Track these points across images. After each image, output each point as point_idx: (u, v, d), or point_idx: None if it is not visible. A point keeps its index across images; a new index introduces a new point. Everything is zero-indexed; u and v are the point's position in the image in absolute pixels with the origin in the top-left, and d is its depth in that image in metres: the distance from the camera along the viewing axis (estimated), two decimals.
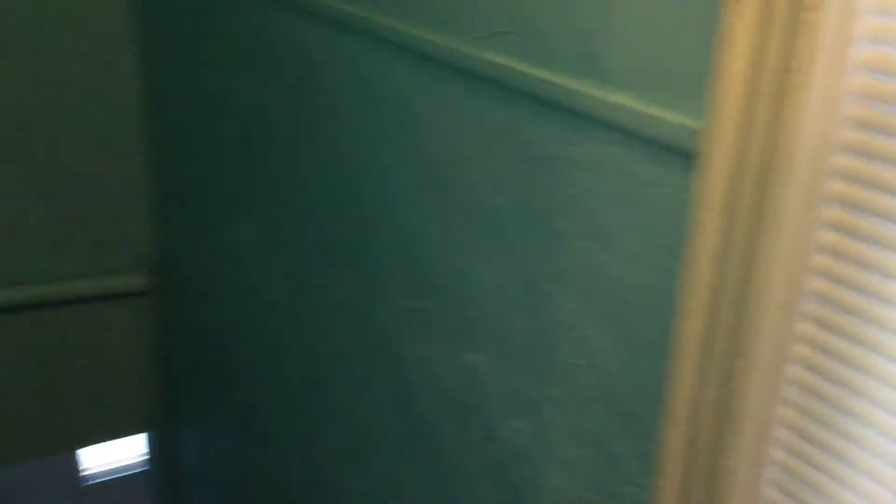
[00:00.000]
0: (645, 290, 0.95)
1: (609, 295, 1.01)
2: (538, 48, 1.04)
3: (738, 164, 0.80)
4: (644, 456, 1.00)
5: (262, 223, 2.11)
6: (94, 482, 5.58)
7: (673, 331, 0.90)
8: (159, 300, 3.26)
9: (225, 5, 2.02)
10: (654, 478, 0.97)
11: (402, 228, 1.47)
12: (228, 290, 2.44)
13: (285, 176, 1.91)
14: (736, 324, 0.84)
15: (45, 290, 3.11)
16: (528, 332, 1.18)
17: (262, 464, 2.42)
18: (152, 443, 3.59)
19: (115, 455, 5.57)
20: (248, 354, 2.38)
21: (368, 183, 1.56)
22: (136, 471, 3.90)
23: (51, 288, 3.12)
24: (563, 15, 0.99)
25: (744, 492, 0.91)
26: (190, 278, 2.85)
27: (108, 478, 5.58)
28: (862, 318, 0.78)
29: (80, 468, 5.47)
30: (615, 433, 1.05)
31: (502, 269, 1.21)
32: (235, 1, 1.95)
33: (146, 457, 3.72)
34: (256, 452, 2.46)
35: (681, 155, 0.86)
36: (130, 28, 2.84)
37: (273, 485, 2.35)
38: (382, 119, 1.45)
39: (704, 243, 0.84)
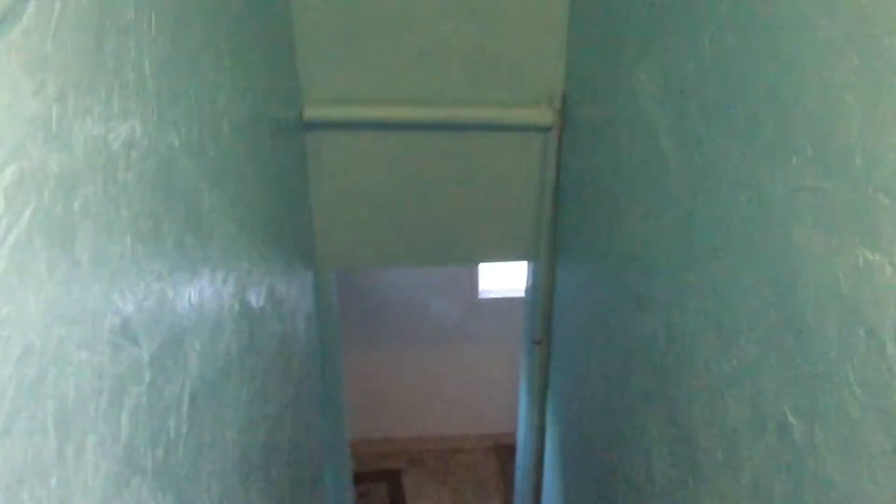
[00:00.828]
0: None
1: None
2: None
3: None
4: None
5: (662, 71, 1.96)
6: (485, 297, 6.17)
7: None
8: (561, 137, 3.30)
9: None
10: None
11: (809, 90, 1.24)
12: (624, 136, 2.36)
13: (688, 21, 1.73)
14: None
15: (460, 113, 3.30)
16: None
17: (627, 315, 2.40)
18: (535, 270, 3.77)
19: (503, 279, 6.11)
20: (633, 205, 2.31)
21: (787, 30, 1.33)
22: (519, 294, 4.17)
23: (465, 111, 3.30)
24: None
25: None
26: (591, 120, 2.82)
27: (498, 296, 6.14)
28: None
29: (478, 287, 6.08)
30: None
31: None
32: None
33: (529, 282, 3.93)
34: (624, 302, 2.44)
35: None
36: None
37: (633, 339, 2.32)
38: None
39: None
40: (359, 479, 6.18)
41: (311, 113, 3.15)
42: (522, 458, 4.50)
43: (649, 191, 2.15)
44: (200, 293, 1.55)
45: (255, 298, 2.11)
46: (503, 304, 6.06)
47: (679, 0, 1.85)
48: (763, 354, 1.49)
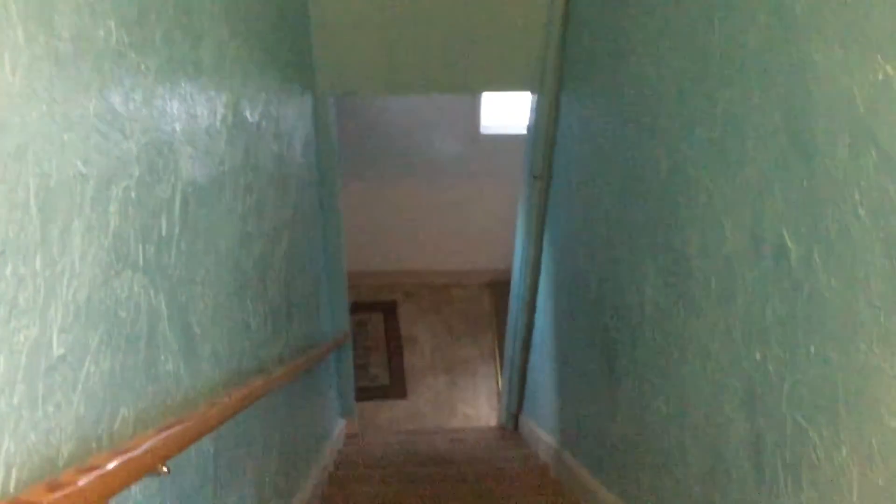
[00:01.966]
0: None
1: None
2: None
3: None
4: None
5: None
6: (488, 133, 6.10)
7: None
8: None
9: None
10: None
11: None
12: None
13: None
14: None
15: None
16: None
17: (631, 146, 2.35)
18: (538, 102, 3.68)
19: (505, 116, 6.02)
20: (645, 31, 2.21)
21: None
22: (521, 132, 4.11)
23: None
24: None
25: None
26: None
27: (499, 132, 6.07)
28: None
29: (480, 122, 6.01)
30: None
31: None
32: None
33: (531, 116, 3.85)
34: (629, 133, 2.39)
35: None
36: None
37: (635, 169, 2.29)
38: None
39: None
40: (355, 308, 6.34)
41: None
42: (516, 292, 4.59)
43: (663, 18, 2.05)
44: (192, 96, 1.50)
45: (250, 112, 2.06)
46: (504, 141, 5.99)
47: None
48: (767, 179, 1.45)
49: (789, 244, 1.37)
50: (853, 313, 1.18)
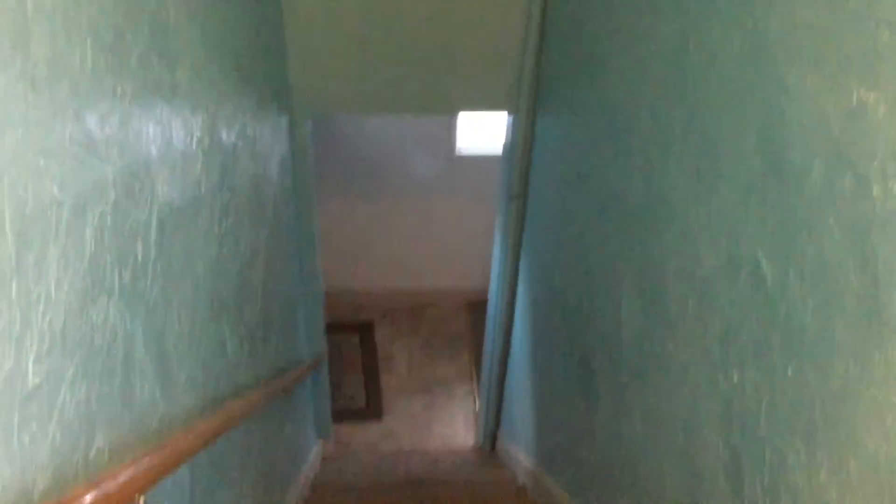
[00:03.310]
0: None
1: None
2: None
3: None
4: None
5: None
6: (464, 154, 6.12)
7: None
8: None
9: None
10: None
11: None
12: None
13: None
14: None
15: None
16: None
17: (607, 165, 2.37)
18: (514, 122, 3.70)
19: (481, 137, 6.05)
20: (621, 52, 2.23)
21: None
22: (497, 153, 4.13)
23: None
24: None
25: None
26: None
27: (475, 153, 6.09)
28: None
29: (456, 143, 6.02)
30: None
31: None
32: None
33: (507, 136, 3.87)
34: (605, 151, 2.40)
35: None
36: None
37: (611, 188, 2.30)
38: None
39: None
40: (332, 328, 6.30)
41: None
42: (493, 312, 4.58)
43: (638, 36, 2.07)
44: (168, 119, 1.49)
45: (227, 133, 2.04)
46: (480, 162, 6.01)
47: None
48: (743, 201, 1.47)
49: (765, 266, 1.38)
50: (830, 335, 1.19)
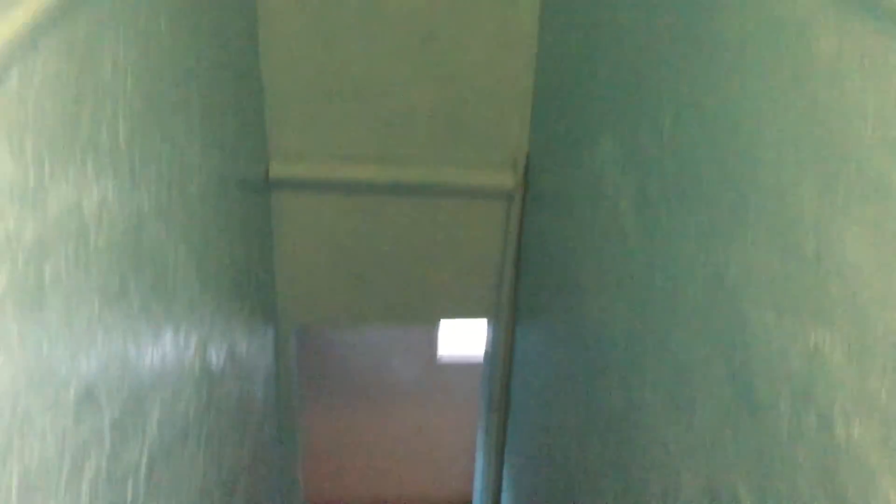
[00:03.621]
0: None
1: None
2: None
3: None
4: None
5: (623, 146, 2.03)
6: (445, 360, 6.18)
7: None
8: (524, 202, 3.36)
9: None
10: None
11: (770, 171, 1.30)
12: (586, 206, 2.42)
13: (650, 100, 1.80)
14: None
15: (425, 175, 3.34)
16: None
17: (586, 382, 2.42)
18: (494, 333, 3.79)
19: (462, 342, 6.12)
20: (593, 274, 2.35)
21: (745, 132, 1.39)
22: (478, 358, 4.20)
23: (430, 173, 3.35)
24: None
25: None
26: (553, 187, 2.88)
27: (457, 360, 6.14)
28: None
29: (437, 348, 6.08)
30: None
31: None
32: None
33: (487, 344, 3.94)
34: (582, 369, 2.46)
35: None
36: None
37: (592, 405, 2.35)
38: None
39: None
40: None
41: (277, 171, 3.17)
42: None
43: (608, 262, 2.20)
44: (163, 355, 1.55)
45: (216, 358, 2.10)
46: (462, 368, 6.05)
47: (642, 80, 1.92)
48: (718, 429, 1.52)
49: (743, 498, 1.41)
50: None
